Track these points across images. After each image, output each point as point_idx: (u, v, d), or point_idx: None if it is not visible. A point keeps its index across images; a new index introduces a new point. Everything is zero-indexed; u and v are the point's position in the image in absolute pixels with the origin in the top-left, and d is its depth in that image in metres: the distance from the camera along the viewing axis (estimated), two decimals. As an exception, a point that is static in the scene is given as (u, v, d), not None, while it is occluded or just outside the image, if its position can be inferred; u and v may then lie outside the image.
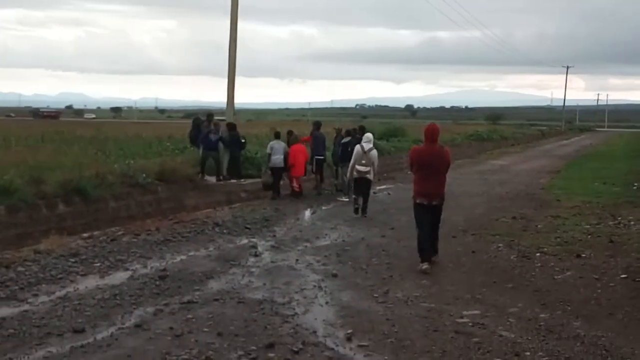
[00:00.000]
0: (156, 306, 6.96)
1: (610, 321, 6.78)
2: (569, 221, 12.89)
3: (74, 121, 70.57)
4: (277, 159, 16.07)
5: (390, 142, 27.53)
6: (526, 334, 6.31)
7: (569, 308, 7.20)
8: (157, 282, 7.88)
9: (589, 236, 11.32)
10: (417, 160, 9.05)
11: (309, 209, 14.60)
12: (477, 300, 7.46)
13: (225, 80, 17.03)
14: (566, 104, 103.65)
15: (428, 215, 9.02)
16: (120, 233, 11.03)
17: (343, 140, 16.65)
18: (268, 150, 16.38)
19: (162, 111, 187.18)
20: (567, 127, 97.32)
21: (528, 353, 5.82)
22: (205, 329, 6.26)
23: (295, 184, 16.38)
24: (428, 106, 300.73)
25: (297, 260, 9.34)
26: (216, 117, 18.45)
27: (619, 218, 13.21)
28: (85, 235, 10.92)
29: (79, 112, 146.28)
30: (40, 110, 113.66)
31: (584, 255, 9.79)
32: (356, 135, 16.01)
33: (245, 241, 10.69)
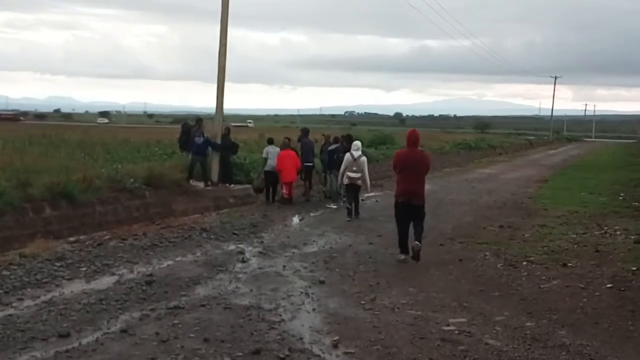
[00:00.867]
0: (142, 311, 6.93)
1: (596, 330, 6.82)
2: (555, 230, 12.96)
3: (66, 125, 70.12)
4: (273, 161, 16.33)
5: (379, 150, 27.61)
6: (512, 342, 6.33)
7: (555, 317, 7.23)
8: (144, 287, 7.85)
9: (576, 245, 11.39)
10: (400, 163, 9.86)
11: (297, 216, 14.61)
12: (463, 308, 7.48)
13: (215, 86, 16.99)
14: (554, 114, 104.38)
15: (408, 213, 9.75)
16: (107, 237, 10.98)
17: (330, 147, 16.69)
18: (264, 155, 16.72)
19: (150, 116, 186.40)
20: (555, 137, 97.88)
21: (514, 361, 5.84)
22: (192, 335, 6.23)
23: (284, 191, 16.36)
24: (417, 114, 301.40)
25: (284, 266, 9.33)
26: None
27: (605, 228, 13.29)
28: (71, 239, 10.87)
29: (67, 116, 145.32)
30: None
31: (570, 264, 9.84)
32: (343, 143, 16.13)
33: (232, 247, 10.67)
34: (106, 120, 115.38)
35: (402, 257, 9.81)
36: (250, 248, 10.64)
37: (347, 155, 14.12)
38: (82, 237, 11.13)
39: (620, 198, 19.12)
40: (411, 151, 9.89)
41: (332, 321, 6.84)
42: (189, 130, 17.43)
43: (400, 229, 9.88)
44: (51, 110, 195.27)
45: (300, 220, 14.06)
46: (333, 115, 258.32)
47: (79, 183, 12.34)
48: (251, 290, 7.94)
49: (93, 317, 6.70)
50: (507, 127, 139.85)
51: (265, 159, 16.54)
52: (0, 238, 10.28)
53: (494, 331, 6.66)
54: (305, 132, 18.18)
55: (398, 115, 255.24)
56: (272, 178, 16.49)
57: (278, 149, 16.66)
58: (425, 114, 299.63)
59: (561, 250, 10.96)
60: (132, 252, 9.86)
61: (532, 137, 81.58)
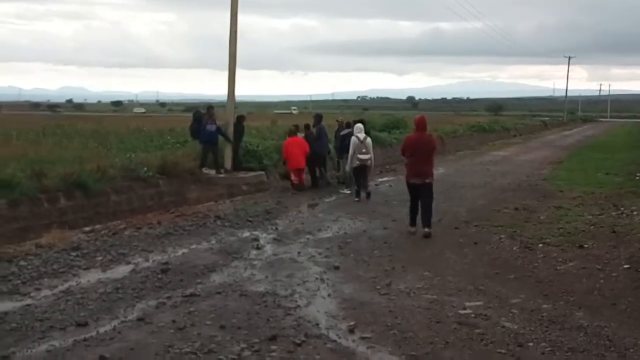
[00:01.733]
0: (158, 299, 6.96)
1: (613, 311, 6.77)
2: (571, 212, 12.87)
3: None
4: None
5: (392, 134, 27.44)
6: (529, 324, 6.31)
7: (572, 299, 7.19)
8: (159, 276, 7.88)
9: (592, 227, 11.30)
10: (410, 146, 10.77)
11: (311, 202, 14.58)
12: (479, 291, 7.45)
13: (226, 73, 16.94)
14: (568, 95, 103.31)
15: (419, 191, 10.65)
16: (121, 227, 11.04)
17: (342, 132, 16.61)
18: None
19: (163, 104, 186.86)
20: (570, 118, 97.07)
21: (531, 344, 5.82)
22: (208, 322, 6.25)
23: (294, 177, 16.33)
24: (430, 98, 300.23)
25: (299, 252, 9.33)
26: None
27: (622, 208, 13.18)
28: (86, 229, 10.92)
29: (79, 106, 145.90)
30: None
31: (586, 245, 9.77)
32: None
33: (247, 234, 10.69)
34: (143, 110, 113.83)
35: (412, 229, 10.77)
36: (264, 235, 10.65)
37: (354, 138, 14.61)
38: (97, 226, 11.19)
39: (637, 178, 18.92)
40: (420, 135, 10.75)
41: (347, 306, 6.84)
42: (201, 118, 17.40)
43: (411, 203, 10.85)
44: (63, 100, 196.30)
45: (314, 206, 14.04)
46: (345, 100, 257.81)
47: (93, 173, 12.37)
48: (266, 277, 7.95)
49: (110, 305, 6.74)
50: (521, 109, 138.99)
51: None
52: (16, 229, 10.35)
53: (511, 314, 6.64)
54: (319, 118, 18.08)
55: (411, 99, 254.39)
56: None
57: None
58: (439, 97, 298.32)
59: (577, 231, 10.88)
60: (147, 241, 9.91)
61: (547, 119, 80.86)
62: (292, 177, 16.33)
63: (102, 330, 6.02)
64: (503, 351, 5.65)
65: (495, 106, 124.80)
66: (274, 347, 5.63)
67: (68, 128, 26.98)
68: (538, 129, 61.66)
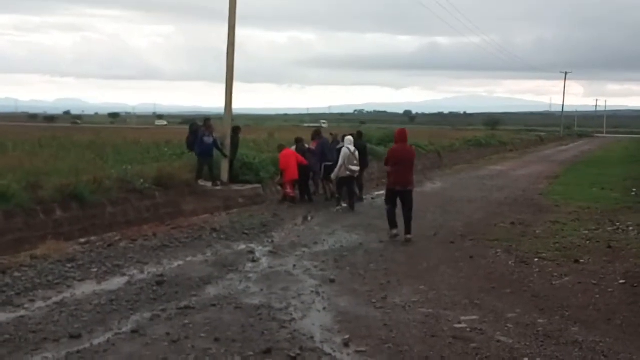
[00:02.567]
0: (153, 312, 6.94)
1: (609, 327, 6.77)
2: (567, 227, 12.89)
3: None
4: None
5: (389, 148, 27.47)
6: (524, 339, 6.29)
7: (567, 313, 7.18)
8: (154, 288, 7.86)
9: (588, 242, 11.31)
10: (394, 157, 11.61)
11: (307, 215, 14.57)
12: (475, 305, 7.44)
13: (224, 86, 16.98)
14: (565, 110, 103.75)
15: (400, 198, 11.50)
16: (117, 238, 11.01)
17: (339, 146, 16.63)
18: None
19: (160, 117, 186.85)
20: (566, 133, 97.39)
21: (526, 359, 5.81)
22: (203, 335, 6.23)
23: (289, 189, 16.32)
24: (427, 112, 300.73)
25: (294, 265, 9.32)
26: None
27: (618, 224, 13.20)
28: (82, 240, 10.88)
29: (77, 118, 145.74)
30: None
31: (582, 260, 9.77)
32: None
33: (242, 247, 10.67)
34: (165, 123, 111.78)
35: (394, 231, 11.50)
36: (260, 247, 10.63)
37: (344, 149, 15.22)
38: (92, 238, 11.15)
39: (633, 194, 18.98)
40: (402, 147, 11.75)
41: (342, 320, 6.82)
42: (197, 130, 17.39)
43: (389, 208, 11.62)
44: (61, 112, 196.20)
45: (310, 219, 14.02)
46: (342, 114, 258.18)
47: (89, 184, 12.34)
48: (262, 290, 7.93)
49: (104, 317, 6.71)
50: (518, 124, 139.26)
51: None
52: (12, 240, 10.31)
53: (506, 328, 6.63)
54: (319, 132, 18.32)
55: (408, 113, 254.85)
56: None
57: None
58: (435, 111, 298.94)
59: (573, 246, 10.89)
60: (143, 253, 9.88)
61: (543, 134, 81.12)
62: (288, 189, 16.31)
63: (95, 342, 5.98)
64: (498, 366, 5.64)
65: (492, 121, 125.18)
66: (268, 361, 5.61)
67: (64, 140, 26.94)
68: (534, 144, 61.89)
